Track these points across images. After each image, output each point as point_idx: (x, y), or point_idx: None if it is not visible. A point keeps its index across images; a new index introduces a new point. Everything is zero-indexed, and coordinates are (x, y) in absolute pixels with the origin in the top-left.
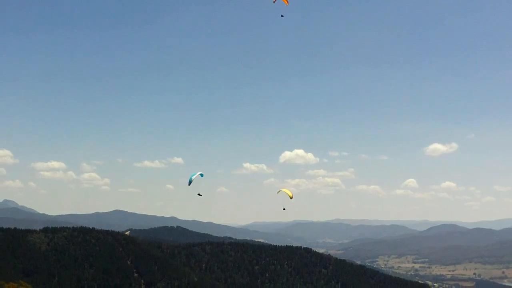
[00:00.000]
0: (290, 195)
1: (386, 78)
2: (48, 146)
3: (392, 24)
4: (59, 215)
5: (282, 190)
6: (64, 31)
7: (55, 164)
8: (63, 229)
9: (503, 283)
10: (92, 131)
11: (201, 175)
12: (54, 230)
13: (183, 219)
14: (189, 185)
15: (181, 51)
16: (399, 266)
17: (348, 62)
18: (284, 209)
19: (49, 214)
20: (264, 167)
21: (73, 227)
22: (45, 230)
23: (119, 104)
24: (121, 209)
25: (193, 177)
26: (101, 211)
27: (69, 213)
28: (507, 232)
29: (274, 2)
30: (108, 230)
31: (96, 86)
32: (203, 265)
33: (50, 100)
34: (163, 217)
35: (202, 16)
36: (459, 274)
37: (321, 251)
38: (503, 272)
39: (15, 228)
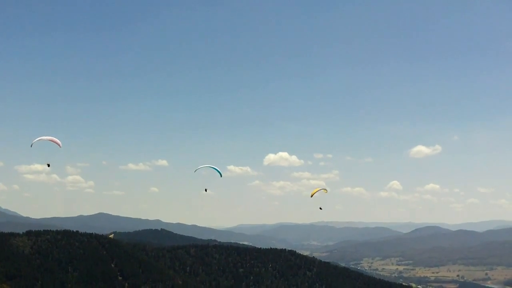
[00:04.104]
0: (325, 190)
1: (371, 81)
2: (32, 149)
3: (374, 27)
4: (42, 218)
5: (314, 192)
6: (50, 31)
7: (38, 167)
8: (46, 232)
9: (486, 285)
10: (77, 134)
11: (220, 174)
12: (38, 234)
13: (168, 222)
14: (221, 176)
15: (163, 52)
16: (383, 268)
17: (333, 64)
18: (320, 208)
19: (32, 217)
20: (249, 169)
21: (56, 230)
22: (29, 233)
23: (103, 106)
24: (105, 212)
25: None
26: (85, 214)
27: (53, 216)
28: (491, 234)
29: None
30: (92, 233)
31: (80, 88)
32: (188, 268)
33: (33, 102)
34: (147, 220)
35: (188, 18)
36: (443, 276)
37: (305, 253)
38: (486, 274)
39: None
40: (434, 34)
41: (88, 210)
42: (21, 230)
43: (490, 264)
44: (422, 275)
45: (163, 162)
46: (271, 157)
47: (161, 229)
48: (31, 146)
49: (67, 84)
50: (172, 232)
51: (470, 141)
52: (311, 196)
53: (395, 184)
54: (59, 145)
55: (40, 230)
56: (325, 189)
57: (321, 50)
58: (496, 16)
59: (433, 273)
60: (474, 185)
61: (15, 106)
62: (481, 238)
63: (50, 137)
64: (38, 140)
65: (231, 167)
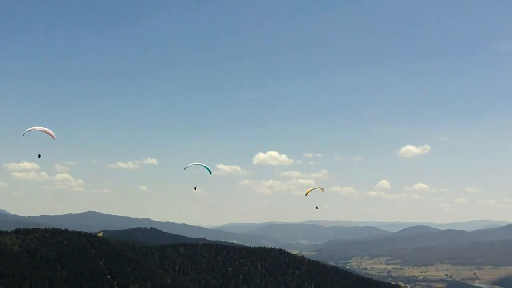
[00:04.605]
0: (321, 189)
1: (360, 81)
2: (21, 147)
3: (362, 27)
4: (31, 216)
5: (309, 190)
6: (41, 29)
7: (27, 164)
8: (35, 230)
9: (474, 284)
10: (66, 132)
11: (209, 172)
12: (26, 232)
13: (157, 220)
14: (210, 173)
15: (152, 51)
16: (372, 267)
17: (323, 64)
18: (316, 207)
19: (21, 215)
20: (238, 168)
21: (45, 229)
22: (17, 232)
23: (92, 105)
24: (94, 211)
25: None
26: (74, 212)
27: (42, 214)
28: (479, 234)
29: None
30: (81, 232)
31: (69, 86)
32: (177, 267)
33: (22, 100)
34: (136, 218)
35: (179, 16)
36: (431, 275)
37: (294, 252)
38: (474, 273)
39: None
40: (423, 35)
41: (77, 208)
42: (9, 228)
43: (478, 264)
44: (410, 274)
45: (153, 161)
46: (260, 156)
47: (150, 227)
48: (23, 135)
49: (57, 82)
50: (161, 231)
51: (459, 141)
52: (306, 194)
53: (384, 183)
54: (52, 137)
55: (29, 228)
56: (321, 188)
57: (311, 50)
58: (486, 17)
59: (421, 272)
60: (463, 185)
61: (3, 105)
62: (469, 238)
63: (44, 128)
64: (31, 130)
65: (221, 166)
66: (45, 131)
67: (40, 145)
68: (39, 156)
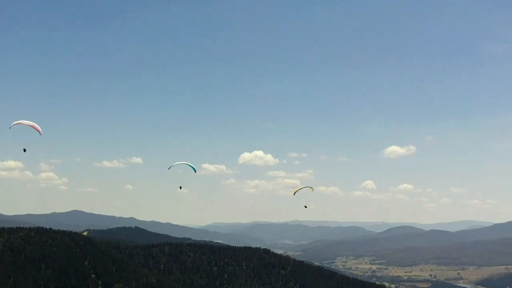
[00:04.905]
0: (311, 189)
1: (345, 81)
2: (5, 145)
3: (348, 27)
4: (15, 215)
5: (297, 190)
6: (27, 26)
7: (11, 163)
8: (19, 229)
9: (458, 284)
10: (51, 130)
11: (194, 170)
12: (10, 231)
13: (142, 219)
14: (195, 172)
15: (135, 50)
16: (357, 267)
17: (309, 65)
18: (305, 206)
19: (5, 214)
20: (224, 167)
21: (29, 228)
22: (1, 231)
23: (77, 103)
24: (79, 210)
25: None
26: (58, 211)
27: (26, 213)
28: (463, 234)
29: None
30: (66, 231)
31: (53, 84)
32: (162, 266)
33: (5, 98)
34: (121, 217)
35: (165, 15)
36: (416, 275)
37: (280, 252)
38: (458, 274)
39: None
40: (409, 35)
41: (62, 207)
42: None
43: (462, 264)
44: (395, 274)
45: (138, 160)
46: (246, 155)
47: (135, 227)
48: (9, 128)
49: (41, 80)
50: (147, 230)
51: (443, 141)
52: (294, 194)
53: (369, 183)
54: (39, 132)
55: (13, 227)
56: (311, 187)
57: (297, 50)
58: (471, 18)
59: (406, 272)
60: (447, 185)
61: None
62: (453, 238)
63: (31, 123)
64: (17, 124)
65: (206, 165)
66: (32, 126)
67: (24, 144)
68: (24, 150)
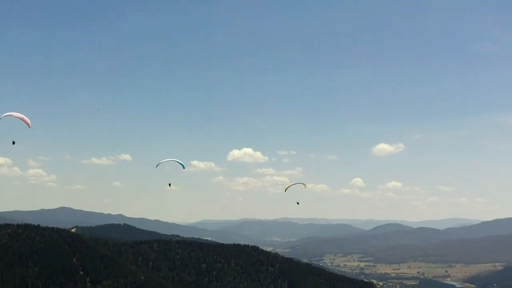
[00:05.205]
0: (304, 185)
1: (335, 80)
2: None
3: (336, 26)
4: (3, 212)
5: (288, 186)
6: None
7: (0, 159)
8: (7, 226)
9: (446, 282)
10: (39, 127)
11: (183, 166)
12: None
13: (130, 216)
14: (183, 168)
15: (125, 47)
16: (345, 265)
17: (298, 62)
18: (298, 203)
19: None
20: (213, 165)
21: (17, 224)
22: None
23: (66, 99)
24: (67, 206)
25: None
26: (46, 208)
27: (14, 209)
28: (451, 232)
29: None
30: (54, 228)
31: (42, 81)
32: (150, 263)
33: None
34: (110, 214)
35: (155, 15)
36: (404, 273)
37: (268, 249)
38: (446, 271)
39: None
40: (398, 35)
41: (50, 204)
42: None
43: (449, 262)
44: (383, 272)
45: (127, 157)
46: (235, 153)
47: (123, 224)
48: None
49: (29, 76)
50: (135, 227)
51: (432, 140)
52: (285, 190)
53: (358, 181)
54: (28, 125)
55: (1, 224)
56: (303, 184)
57: (287, 49)
58: (459, 18)
59: (394, 269)
60: (435, 183)
61: None
62: (441, 236)
63: (21, 115)
64: (7, 116)
65: (195, 162)
66: (21, 118)
67: (13, 138)
68: (13, 143)
